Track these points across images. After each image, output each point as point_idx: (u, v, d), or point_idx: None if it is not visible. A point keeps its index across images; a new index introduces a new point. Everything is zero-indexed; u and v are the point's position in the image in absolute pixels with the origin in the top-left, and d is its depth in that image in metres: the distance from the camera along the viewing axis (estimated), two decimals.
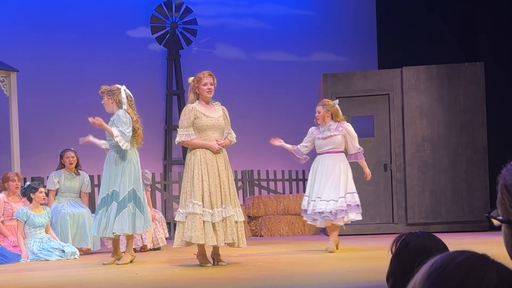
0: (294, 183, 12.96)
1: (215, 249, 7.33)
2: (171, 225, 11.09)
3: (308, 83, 13.48)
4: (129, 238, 7.90)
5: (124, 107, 7.74)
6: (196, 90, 7.39)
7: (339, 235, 8.68)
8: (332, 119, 8.53)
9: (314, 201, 8.36)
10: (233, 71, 13.35)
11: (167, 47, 13.48)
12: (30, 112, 12.16)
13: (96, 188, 11.39)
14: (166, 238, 9.91)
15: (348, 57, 14.12)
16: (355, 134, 8.56)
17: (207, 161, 7.22)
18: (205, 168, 7.19)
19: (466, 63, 11.27)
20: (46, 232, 8.90)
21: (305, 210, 8.53)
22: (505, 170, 1.44)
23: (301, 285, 5.72)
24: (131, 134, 7.65)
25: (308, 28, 14.20)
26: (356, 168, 8.81)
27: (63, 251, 8.66)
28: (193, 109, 7.33)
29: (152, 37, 13.46)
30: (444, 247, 2.12)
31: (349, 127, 8.56)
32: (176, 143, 7.68)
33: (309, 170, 13.02)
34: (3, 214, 9.22)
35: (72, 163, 9.58)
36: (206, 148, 7.26)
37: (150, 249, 9.51)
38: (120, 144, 7.56)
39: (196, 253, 7.36)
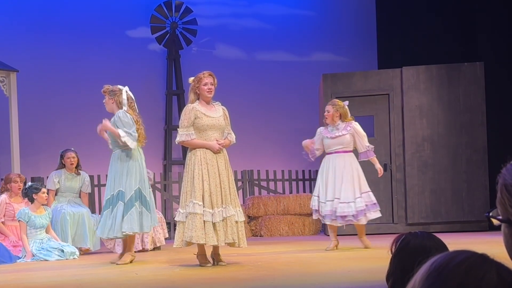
0: (294, 183, 12.96)
1: (215, 249, 7.33)
2: (171, 225, 11.09)
3: (308, 83, 13.48)
4: (130, 237, 7.90)
5: (124, 108, 7.76)
6: (197, 90, 7.39)
7: (338, 235, 8.71)
8: (341, 119, 8.59)
9: (332, 201, 8.42)
10: (233, 71, 13.35)
11: (167, 47, 13.48)
12: (30, 112, 12.16)
13: (95, 188, 11.40)
14: (166, 238, 9.91)
15: (348, 57, 14.12)
16: (363, 133, 8.62)
17: (207, 161, 7.22)
18: (205, 168, 7.20)
19: (466, 63, 11.27)
20: (47, 233, 8.90)
21: (316, 210, 8.58)
22: (504, 169, 1.44)
23: (301, 285, 5.72)
24: (136, 133, 7.70)
25: (308, 28, 14.20)
26: (363, 166, 8.81)
27: (62, 251, 8.66)
28: (193, 109, 7.33)
29: (152, 37, 13.46)
30: (444, 247, 2.12)
31: (357, 126, 8.62)
32: (176, 143, 7.68)
33: (309, 170, 13.15)
34: (4, 215, 9.23)
35: (73, 163, 9.59)
36: (207, 148, 7.27)
37: (150, 249, 9.51)
38: (129, 144, 7.62)
39: (196, 253, 7.36)
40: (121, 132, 7.60)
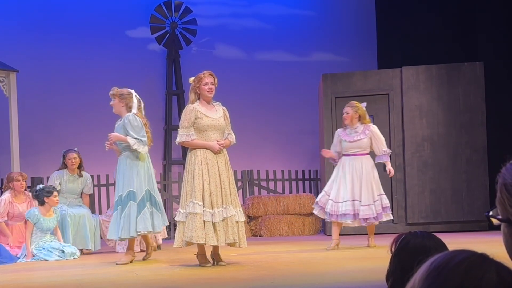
0: (293, 183, 12.96)
1: (215, 249, 7.33)
2: (171, 225, 11.09)
3: (307, 83, 13.48)
4: (131, 240, 7.94)
5: (134, 111, 7.84)
6: (197, 90, 7.40)
7: (339, 234, 8.73)
8: (359, 120, 8.68)
9: (352, 201, 8.53)
10: (232, 71, 13.34)
11: (167, 47, 13.48)
12: (30, 112, 12.16)
13: (95, 188, 11.39)
14: (166, 238, 9.91)
15: (348, 57, 14.12)
16: (382, 137, 8.79)
17: (207, 161, 7.23)
18: (205, 168, 7.20)
19: (465, 63, 11.27)
20: (54, 233, 8.88)
21: (320, 207, 8.64)
22: (504, 169, 1.44)
23: (301, 285, 5.72)
24: (145, 137, 7.80)
25: (308, 28, 14.20)
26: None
27: (63, 252, 8.65)
28: (194, 109, 7.33)
29: (151, 37, 13.46)
30: (443, 247, 2.12)
31: (375, 129, 8.76)
32: (176, 143, 7.69)
33: (309, 170, 13.15)
34: (7, 214, 9.21)
35: (74, 164, 9.54)
36: (207, 148, 7.27)
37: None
38: (140, 150, 7.74)
39: (195, 253, 7.36)
40: (130, 140, 7.69)
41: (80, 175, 9.60)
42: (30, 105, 12.22)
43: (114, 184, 11.56)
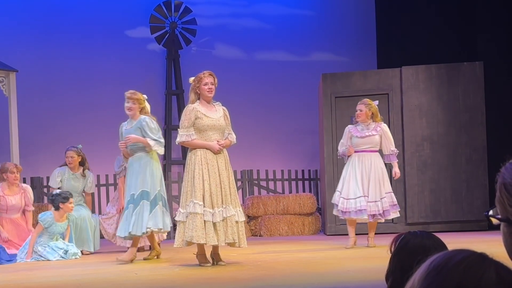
0: (293, 183, 12.96)
1: (215, 248, 7.34)
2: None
3: (307, 83, 13.48)
4: (136, 238, 7.96)
5: (149, 114, 8.07)
6: (197, 90, 7.40)
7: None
8: (372, 118, 8.73)
9: (361, 197, 8.57)
10: (232, 71, 13.35)
11: (166, 47, 13.48)
12: (29, 112, 12.16)
13: (95, 188, 11.38)
14: (165, 238, 9.90)
15: (348, 57, 14.12)
16: (391, 137, 8.92)
17: (207, 161, 7.23)
18: (205, 168, 7.21)
19: (465, 62, 11.27)
20: (64, 234, 8.85)
21: (337, 205, 8.73)
22: (504, 169, 1.44)
23: (301, 285, 5.72)
24: (162, 138, 8.04)
25: (307, 28, 14.20)
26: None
27: (66, 252, 8.62)
28: (194, 109, 7.33)
29: (151, 37, 13.46)
30: (443, 246, 2.12)
31: (386, 128, 8.88)
32: (176, 143, 7.71)
33: (309, 170, 13.14)
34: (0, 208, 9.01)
35: (71, 163, 9.49)
36: (207, 148, 7.27)
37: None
38: (159, 151, 7.95)
39: (195, 253, 7.36)
40: (150, 141, 7.83)
41: (83, 175, 9.55)
42: (30, 105, 12.22)
43: (114, 184, 11.58)
